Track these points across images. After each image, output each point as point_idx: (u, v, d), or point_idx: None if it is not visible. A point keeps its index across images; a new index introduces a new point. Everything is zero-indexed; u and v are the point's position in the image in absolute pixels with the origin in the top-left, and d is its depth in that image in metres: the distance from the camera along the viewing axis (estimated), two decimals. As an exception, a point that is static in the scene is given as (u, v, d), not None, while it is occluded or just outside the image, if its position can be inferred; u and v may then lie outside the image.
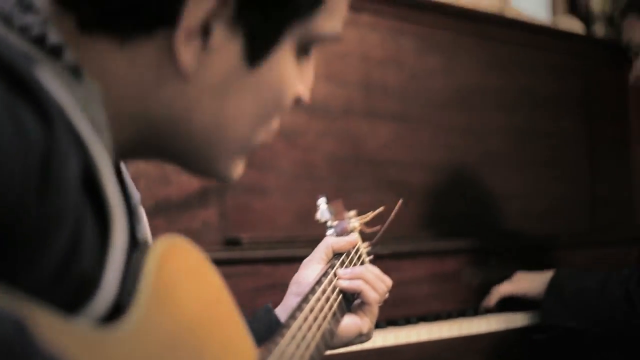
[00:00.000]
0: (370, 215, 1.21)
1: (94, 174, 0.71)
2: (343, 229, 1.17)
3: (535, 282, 1.92)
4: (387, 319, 1.83)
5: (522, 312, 1.97)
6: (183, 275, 0.78)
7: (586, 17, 2.95)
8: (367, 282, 1.19)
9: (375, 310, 1.25)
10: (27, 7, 0.75)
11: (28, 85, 0.65)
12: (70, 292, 0.66)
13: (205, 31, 0.75)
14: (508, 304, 2.00)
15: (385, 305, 1.91)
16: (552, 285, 1.86)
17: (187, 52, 0.75)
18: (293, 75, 0.83)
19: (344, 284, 1.15)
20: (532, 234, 2.35)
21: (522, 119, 2.45)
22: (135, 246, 0.77)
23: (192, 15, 0.74)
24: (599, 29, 2.94)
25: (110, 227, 0.71)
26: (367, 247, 1.26)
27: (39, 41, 0.74)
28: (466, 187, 2.28)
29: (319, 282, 1.10)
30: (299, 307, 1.01)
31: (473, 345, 1.82)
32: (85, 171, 0.69)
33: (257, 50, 0.79)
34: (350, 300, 1.18)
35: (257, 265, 1.69)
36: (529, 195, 2.44)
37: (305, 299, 1.03)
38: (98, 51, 0.76)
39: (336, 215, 1.19)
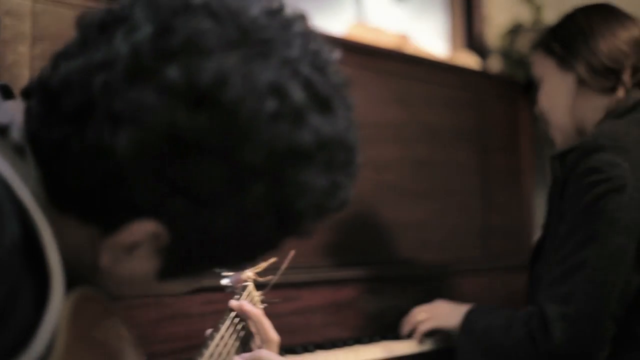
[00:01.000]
0: (263, 265, 1.26)
1: (35, 238, 0.76)
2: (237, 279, 1.22)
3: (452, 316, 1.98)
4: (286, 346, 1.89)
5: (421, 337, 2.05)
6: (93, 322, 0.86)
7: (482, 52, 3.08)
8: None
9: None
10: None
11: None
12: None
13: (131, 248, 0.83)
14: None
15: (283, 333, 1.98)
16: (465, 322, 1.91)
17: (108, 255, 0.84)
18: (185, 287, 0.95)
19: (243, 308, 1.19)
20: (427, 262, 2.45)
21: (419, 151, 2.54)
22: None
23: (126, 236, 0.82)
24: (494, 64, 3.06)
25: (50, 286, 0.76)
26: (261, 295, 1.31)
27: None
28: (364, 217, 2.36)
29: (216, 329, 1.15)
30: (200, 351, 1.07)
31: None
32: (25, 236, 0.75)
33: (168, 275, 0.88)
34: (246, 344, 1.23)
35: (157, 297, 1.73)
36: (424, 224, 2.53)
37: (205, 344, 1.09)
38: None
39: None
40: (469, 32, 3.20)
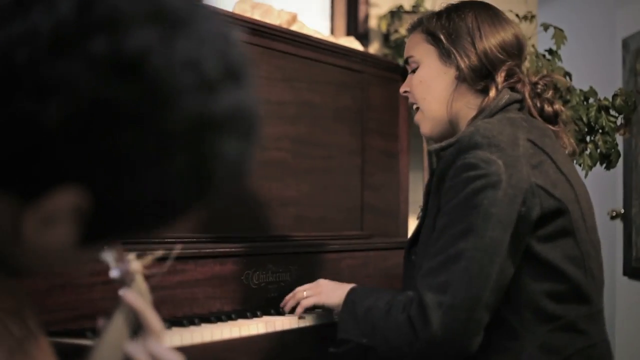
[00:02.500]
0: (149, 258, 1.28)
1: None
2: (126, 271, 1.24)
3: (334, 295, 2.03)
4: (171, 319, 1.92)
5: (305, 313, 2.11)
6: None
7: (364, 35, 3.15)
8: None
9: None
10: None
11: None
12: None
13: (53, 217, 0.85)
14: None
15: (169, 305, 2.01)
16: (347, 301, 1.95)
17: (30, 225, 0.85)
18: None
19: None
20: (307, 238, 2.51)
21: (301, 130, 2.60)
22: None
23: (49, 204, 0.83)
24: (375, 48, 3.14)
25: None
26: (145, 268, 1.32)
27: None
28: (247, 193, 2.40)
29: (109, 319, 1.17)
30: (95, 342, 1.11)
31: (253, 345, 1.94)
32: None
33: (89, 243, 0.91)
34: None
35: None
36: (304, 201, 2.59)
37: (99, 335, 1.13)
38: None
39: (117, 258, 1.26)
40: (353, 15, 3.26)
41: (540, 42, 3.43)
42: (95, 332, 1.71)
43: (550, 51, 3.02)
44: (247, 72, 0.90)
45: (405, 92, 2.13)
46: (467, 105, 2.01)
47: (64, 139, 0.80)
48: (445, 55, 2.02)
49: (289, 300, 2.15)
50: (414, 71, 2.10)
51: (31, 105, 0.79)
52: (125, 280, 1.24)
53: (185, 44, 0.84)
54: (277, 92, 2.52)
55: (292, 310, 2.14)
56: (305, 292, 2.12)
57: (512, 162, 1.81)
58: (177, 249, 1.42)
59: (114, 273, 1.24)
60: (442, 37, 2.02)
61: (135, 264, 1.26)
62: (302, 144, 2.60)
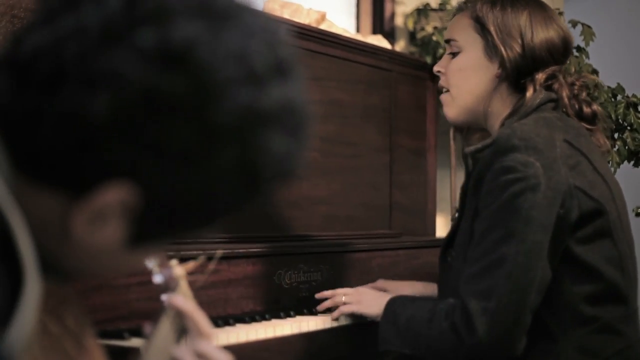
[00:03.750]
0: (192, 263, 1.29)
1: (8, 232, 0.78)
2: (170, 277, 1.24)
3: (374, 305, 2.02)
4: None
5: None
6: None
7: (391, 33, 3.14)
8: None
9: None
10: None
11: None
12: None
13: (103, 214, 0.85)
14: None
15: (202, 306, 2.00)
16: (387, 312, 1.94)
17: (80, 222, 0.85)
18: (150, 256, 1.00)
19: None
20: (337, 238, 2.51)
21: (330, 128, 2.60)
22: None
23: (99, 200, 0.83)
24: (401, 46, 3.13)
25: (24, 280, 0.78)
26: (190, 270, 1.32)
27: None
28: (277, 193, 2.40)
29: (155, 325, 1.18)
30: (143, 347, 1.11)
31: (287, 346, 1.94)
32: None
33: (137, 243, 0.90)
34: None
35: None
36: (334, 200, 2.60)
37: (146, 340, 1.13)
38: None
39: (160, 264, 1.26)
40: (379, 13, 3.26)
41: (567, 38, 3.41)
42: (132, 333, 1.73)
43: (578, 48, 3.01)
44: (296, 68, 0.90)
45: (439, 72, 2.07)
46: (502, 103, 1.98)
47: (113, 132, 0.80)
48: (492, 49, 1.97)
49: (325, 301, 2.13)
50: (453, 54, 2.04)
51: (80, 98, 0.80)
52: (169, 285, 1.25)
53: (233, 37, 0.84)
54: (307, 91, 2.51)
55: (325, 310, 2.14)
56: (344, 298, 2.10)
57: (550, 164, 1.80)
58: (219, 253, 1.42)
59: (157, 279, 1.25)
60: (492, 30, 1.96)
61: (178, 269, 1.26)
62: (331, 143, 2.60)
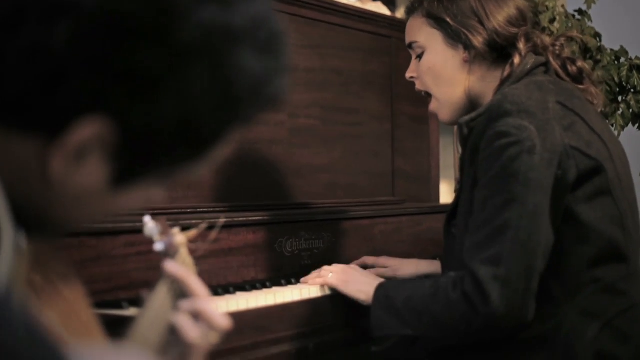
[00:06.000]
0: (193, 231, 1.28)
1: None
2: (171, 244, 1.23)
3: (361, 291, 1.98)
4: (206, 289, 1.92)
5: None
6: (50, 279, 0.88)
7: (390, 2, 3.12)
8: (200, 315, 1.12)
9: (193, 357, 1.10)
10: None
11: None
12: None
13: (81, 151, 0.82)
14: None
15: (203, 275, 2.00)
16: (378, 298, 1.90)
17: (58, 164, 0.82)
18: (140, 199, 0.93)
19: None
20: (339, 205, 2.51)
21: (330, 96, 2.59)
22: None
23: (73, 138, 0.81)
24: (402, 13, 3.10)
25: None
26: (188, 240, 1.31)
27: None
28: (277, 161, 2.40)
29: (153, 290, 1.17)
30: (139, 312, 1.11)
31: (288, 313, 1.93)
32: None
33: (122, 181, 0.87)
34: None
35: (80, 238, 1.74)
36: (335, 168, 2.59)
37: (143, 305, 1.12)
38: None
39: (162, 231, 1.25)
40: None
41: (570, 2, 3.39)
42: (131, 303, 1.72)
43: (580, 11, 2.99)
44: None
45: (412, 77, 2.09)
46: (484, 80, 1.97)
47: (77, 63, 0.79)
48: (452, 37, 1.97)
49: (314, 278, 2.09)
50: (419, 57, 2.05)
51: (40, 32, 0.78)
52: (169, 253, 1.24)
53: None
54: (305, 60, 2.50)
55: None
56: (330, 275, 2.06)
57: (544, 126, 1.79)
58: (220, 221, 1.41)
59: (158, 246, 1.24)
60: (447, 19, 1.97)
61: (179, 237, 1.25)
62: (331, 111, 2.59)
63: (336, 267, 2.09)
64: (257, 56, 0.85)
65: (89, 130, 0.80)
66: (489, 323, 1.75)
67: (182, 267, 1.17)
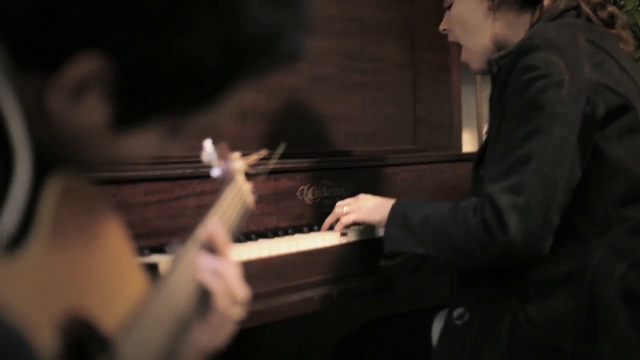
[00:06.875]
0: (253, 157, 1.26)
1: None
2: (228, 170, 1.21)
3: (376, 211, 1.98)
4: (228, 236, 1.91)
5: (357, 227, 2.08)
6: (79, 212, 0.85)
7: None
8: (226, 283, 1.03)
9: (220, 321, 1.03)
10: None
11: None
12: None
13: (79, 88, 0.80)
14: None
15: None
16: (394, 214, 1.89)
17: (55, 101, 0.80)
18: (148, 147, 0.89)
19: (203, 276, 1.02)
20: (360, 153, 2.49)
21: (349, 45, 2.56)
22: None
23: (69, 73, 0.79)
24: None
25: (15, 163, 0.75)
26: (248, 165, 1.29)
27: None
28: (298, 110, 2.38)
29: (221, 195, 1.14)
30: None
31: (310, 259, 1.92)
32: None
33: (124, 123, 0.84)
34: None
35: (99, 186, 1.72)
36: (356, 116, 2.56)
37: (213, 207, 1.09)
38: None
39: (221, 156, 1.23)
40: None
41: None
42: (152, 250, 1.72)
43: (604, -46, 2.93)
44: None
45: (444, 30, 2.11)
46: (511, 26, 1.96)
47: None
48: None
49: (329, 217, 2.08)
50: (449, 8, 2.07)
51: None
52: (225, 179, 1.21)
53: None
54: (324, 7, 2.47)
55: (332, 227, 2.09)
56: (345, 208, 2.06)
57: (573, 61, 1.77)
58: (280, 148, 1.37)
59: (215, 172, 1.22)
60: None
61: (238, 163, 1.23)
62: (351, 59, 2.56)
63: (348, 200, 2.09)
64: (268, 8, 0.82)
65: (87, 66, 0.78)
66: (504, 251, 1.73)
67: (216, 223, 1.10)
